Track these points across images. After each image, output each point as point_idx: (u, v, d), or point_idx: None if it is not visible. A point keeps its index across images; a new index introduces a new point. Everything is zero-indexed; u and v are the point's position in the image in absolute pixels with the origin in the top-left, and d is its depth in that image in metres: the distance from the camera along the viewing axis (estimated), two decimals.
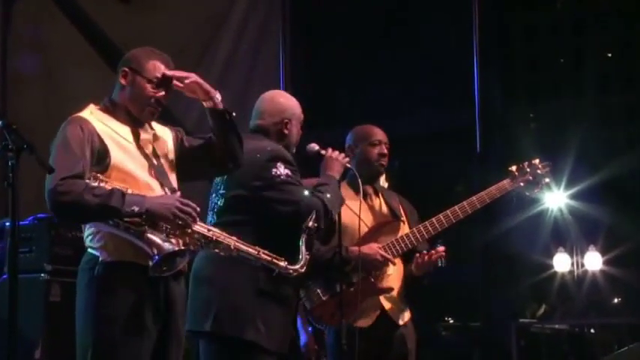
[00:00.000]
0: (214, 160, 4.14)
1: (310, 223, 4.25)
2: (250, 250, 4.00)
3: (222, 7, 9.17)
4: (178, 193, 3.95)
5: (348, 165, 4.88)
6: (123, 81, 4.00)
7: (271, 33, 9.40)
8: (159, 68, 3.99)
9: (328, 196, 4.56)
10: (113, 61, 7.53)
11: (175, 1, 8.70)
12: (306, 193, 4.52)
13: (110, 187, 3.74)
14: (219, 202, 4.59)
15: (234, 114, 4.11)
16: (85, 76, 7.67)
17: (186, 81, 3.99)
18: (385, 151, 5.33)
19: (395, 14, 11.66)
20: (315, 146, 4.86)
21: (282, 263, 4.07)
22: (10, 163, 3.56)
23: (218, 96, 4.06)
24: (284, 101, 4.80)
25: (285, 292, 4.48)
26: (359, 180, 4.97)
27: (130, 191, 3.78)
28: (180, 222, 3.79)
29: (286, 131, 4.71)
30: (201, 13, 8.96)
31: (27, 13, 7.65)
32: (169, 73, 3.99)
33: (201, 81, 4.03)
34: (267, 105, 4.78)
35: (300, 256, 4.14)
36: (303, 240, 4.19)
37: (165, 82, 3.99)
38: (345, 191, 5.13)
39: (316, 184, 4.64)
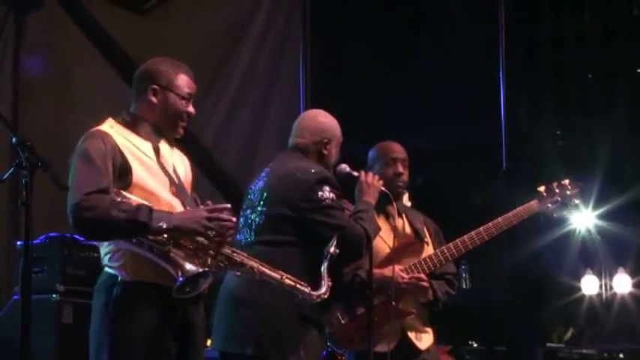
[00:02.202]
0: None
1: (332, 249, 4.26)
2: (274, 274, 4.00)
3: (241, 20, 9.18)
4: (209, 203, 3.91)
5: (383, 189, 4.91)
6: (154, 99, 4.01)
7: (291, 45, 9.40)
8: (188, 83, 4.05)
9: (368, 224, 4.61)
10: (127, 74, 7.59)
11: (192, 12, 8.72)
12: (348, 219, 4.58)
13: (136, 203, 3.72)
14: (257, 219, 4.59)
15: None
16: (98, 88, 7.69)
17: None
18: (401, 169, 5.30)
19: (418, 27, 11.65)
20: (345, 167, 4.91)
21: (306, 289, 4.09)
22: (24, 182, 3.55)
23: None
24: (326, 121, 4.83)
25: (321, 318, 4.54)
26: (393, 202, 5.04)
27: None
28: (213, 234, 3.77)
29: (325, 152, 4.75)
30: (219, 26, 8.97)
31: (40, 24, 7.69)
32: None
33: None
34: (309, 123, 4.81)
35: (323, 282, 4.17)
36: (325, 266, 4.21)
37: (191, 95, 4.05)
38: None
39: (355, 211, 4.67)
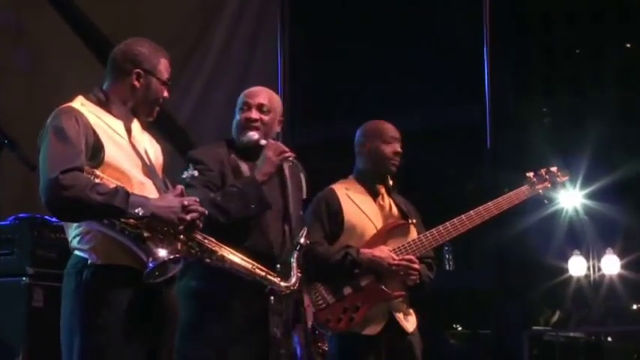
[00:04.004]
0: None
1: (302, 240, 4.26)
2: (244, 263, 4.00)
3: None
4: (180, 187, 3.92)
5: (290, 160, 4.66)
6: (136, 83, 4.00)
7: (269, 23, 9.37)
8: (167, 68, 4.07)
9: (218, 199, 4.49)
10: (100, 52, 7.52)
11: None
12: (205, 195, 4.41)
13: (114, 186, 3.69)
14: None
15: None
16: (70, 66, 7.64)
17: None
18: (399, 149, 5.33)
19: (403, 5, 11.64)
20: (254, 135, 4.72)
21: (276, 279, 4.10)
22: None
23: None
24: None
25: (229, 304, 4.45)
26: (302, 173, 4.74)
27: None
28: (184, 226, 3.76)
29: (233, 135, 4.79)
30: (194, 3, 8.94)
31: (9, 1, 7.64)
32: None
33: None
34: None
35: (292, 273, 4.18)
36: (295, 257, 4.22)
37: (169, 80, 4.08)
38: (355, 188, 5.20)
39: (229, 185, 4.59)
